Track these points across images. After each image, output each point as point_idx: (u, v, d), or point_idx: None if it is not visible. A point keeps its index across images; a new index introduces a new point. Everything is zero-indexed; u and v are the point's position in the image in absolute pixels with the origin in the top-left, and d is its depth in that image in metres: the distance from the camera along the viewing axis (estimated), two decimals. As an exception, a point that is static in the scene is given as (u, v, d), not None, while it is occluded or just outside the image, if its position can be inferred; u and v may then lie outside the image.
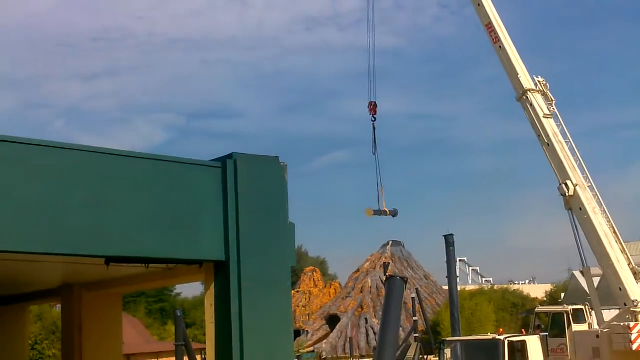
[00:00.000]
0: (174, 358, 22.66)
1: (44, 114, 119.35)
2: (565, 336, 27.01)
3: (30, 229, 5.28)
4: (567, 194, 24.18)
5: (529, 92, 25.28)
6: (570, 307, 28.55)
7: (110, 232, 5.70)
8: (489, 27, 26.09)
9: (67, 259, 6.38)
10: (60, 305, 9.99)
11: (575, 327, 26.98)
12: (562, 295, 56.72)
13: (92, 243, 5.60)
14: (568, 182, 24.22)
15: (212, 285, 6.42)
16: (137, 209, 5.87)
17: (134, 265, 6.32)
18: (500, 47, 25.95)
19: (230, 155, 6.45)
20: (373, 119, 24.39)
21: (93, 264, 6.54)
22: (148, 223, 5.92)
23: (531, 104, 25.25)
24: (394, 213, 20.98)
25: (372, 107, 24.28)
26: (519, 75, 25.48)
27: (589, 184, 24.63)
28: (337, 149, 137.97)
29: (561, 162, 24.66)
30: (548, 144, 24.91)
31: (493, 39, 26.10)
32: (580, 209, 24.08)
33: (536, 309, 32.25)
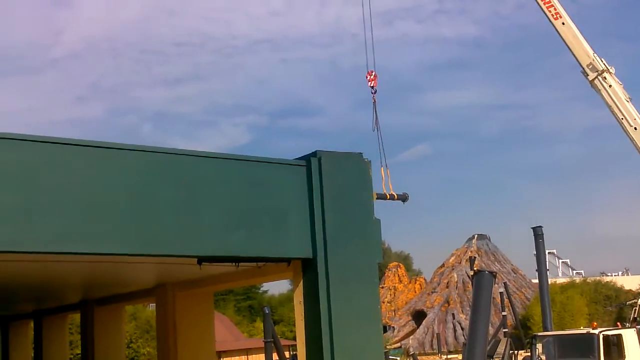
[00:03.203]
0: (264, 355, 22.99)
1: (132, 120, 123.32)
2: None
3: (125, 232, 5.47)
4: None
5: (606, 74, 24.28)
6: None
7: (201, 233, 5.84)
8: (547, 2, 24.91)
9: (161, 260, 6.60)
10: (154, 304, 10.31)
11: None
12: (659, 286, 54.42)
13: (184, 244, 5.75)
14: None
15: (301, 283, 6.49)
16: (227, 209, 6.00)
17: (225, 264, 6.47)
18: (563, 23, 24.80)
19: (314, 154, 6.50)
20: (373, 90, 22.03)
21: (186, 264, 6.74)
22: (237, 223, 6.04)
23: (610, 86, 24.28)
24: (403, 198, 19.26)
25: (373, 77, 22.02)
26: (594, 54, 24.47)
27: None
28: (419, 142, 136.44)
29: None
30: (635, 128, 23.91)
31: (554, 15, 24.86)
32: None
33: (636, 301, 30.98)
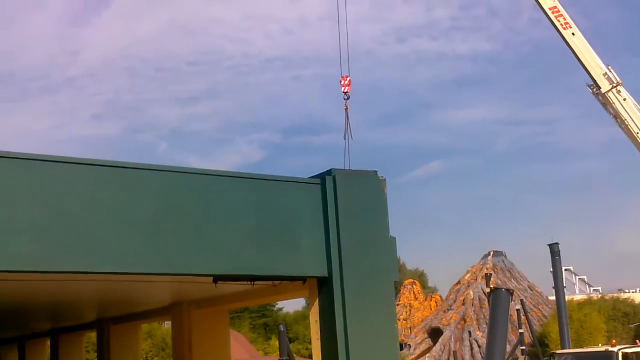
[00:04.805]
0: (279, 373, 22.92)
1: (148, 138, 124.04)
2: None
3: (142, 251, 5.51)
4: None
5: (620, 86, 24.06)
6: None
7: (217, 252, 5.87)
8: (555, 11, 24.55)
9: (177, 279, 6.62)
10: (170, 322, 10.33)
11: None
12: (679, 304, 53.72)
13: (200, 262, 5.78)
14: None
15: (317, 301, 6.49)
16: (242, 228, 6.03)
17: (241, 283, 6.48)
18: (573, 34, 24.45)
19: (329, 172, 6.52)
20: (346, 97, 20.76)
21: (201, 282, 6.75)
22: (252, 242, 6.06)
23: (625, 99, 24.06)
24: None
25: (347, 83, 20.70)
26: (608, 67, 24.24)
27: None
28: (433, 159, 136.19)
29: None
30: None
31: (563, 25, 24.47)
32: None
33: None
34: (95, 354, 12.50)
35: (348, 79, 19.88)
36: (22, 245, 5.00)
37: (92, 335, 14.37)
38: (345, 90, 19.82)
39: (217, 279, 6.17)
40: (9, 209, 4.99)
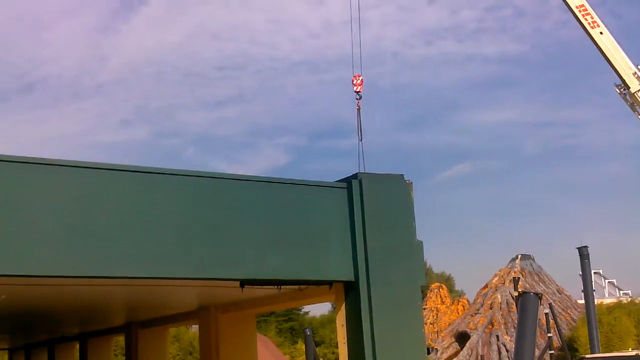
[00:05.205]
0: (306, 377, 22.90)
1: (176, 143, 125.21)
2: None
3: (170, 256, 5.54)
4: None
5: None
6: None
7: (244, 256, 5.88)
8: (583, 9, 24.22)
9: (205, 283, 6.64)
10: (197, 326, 10.38)
11: None
12: None
13: (227, 267, 5.80)
14: None
15: (343, 306, 6.47)
16: (268, 232, 6.04)
17: (267, 287, 6.49)
18: (601, 33, 24.12)
19: (355, 176, 6.50)
20: (358, 96, 19.29)
21: (228, 286, 6.77)
22: (279, 246, 6.07)
23: None
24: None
25: (360, 82, 20.04)
26: (637, 66, 23.91)
27: None
28: (460, 161, 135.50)
29: None
30: None
31: (590, 24, 24.16)
32: None
33: None
34: (124, 358, 12.59)
35: (360, 78, 19.56)
36: (51, 251, 5.07)
37: (120, 339, 14.48)
38: (358, 90, 19.62)
39: (244, 283, 6.19)
40: (39, 214, 5.06)
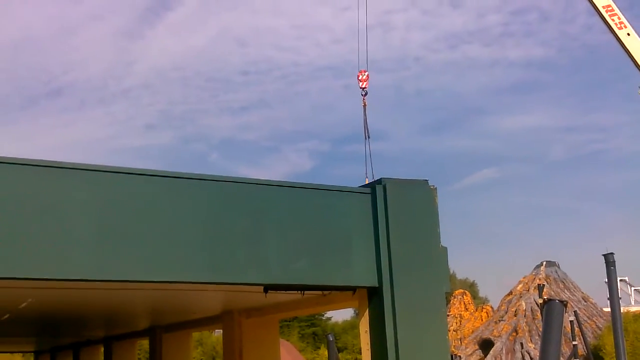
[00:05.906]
0: (328, 383, 22.87)
1: (200, 148, 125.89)
2: None
3: (194, 260, 5.57)
4: None
5: None
6: None
7: (268, 261, 5.90)
8: (609, 10, 23.88)
9: (229, 288, 6.67)
10: (220, 330, 10.42)
11: None
12: None
13: (251, 272, 5.82)
14: None
15: (367, 312, 6.45)
16: (292, 238, 6.05)
17: (291, 292, 6.50)
18: (628, 34, 23.75)
19: (379, 181, 6.50)
20: (364, 92, 18.76)
21: (252, 291, 6.79)
22: (302, 251, 6.07)
23: None
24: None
25: (365, 78, 18.77)
26: None
27: None
28: (486, 166, 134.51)
29: None
30: None
31: (617, 25, 23.81)
32: None
33: None
34: (148, 362, 12.66)
35: (366, 74, 19.17)
36: (77, 255, 5.11)
37: (145, 343, 14.57)
38: (363, 86, 19.19)
39: (267, 288, 6.20)
40: (73, 219, 5.12)
